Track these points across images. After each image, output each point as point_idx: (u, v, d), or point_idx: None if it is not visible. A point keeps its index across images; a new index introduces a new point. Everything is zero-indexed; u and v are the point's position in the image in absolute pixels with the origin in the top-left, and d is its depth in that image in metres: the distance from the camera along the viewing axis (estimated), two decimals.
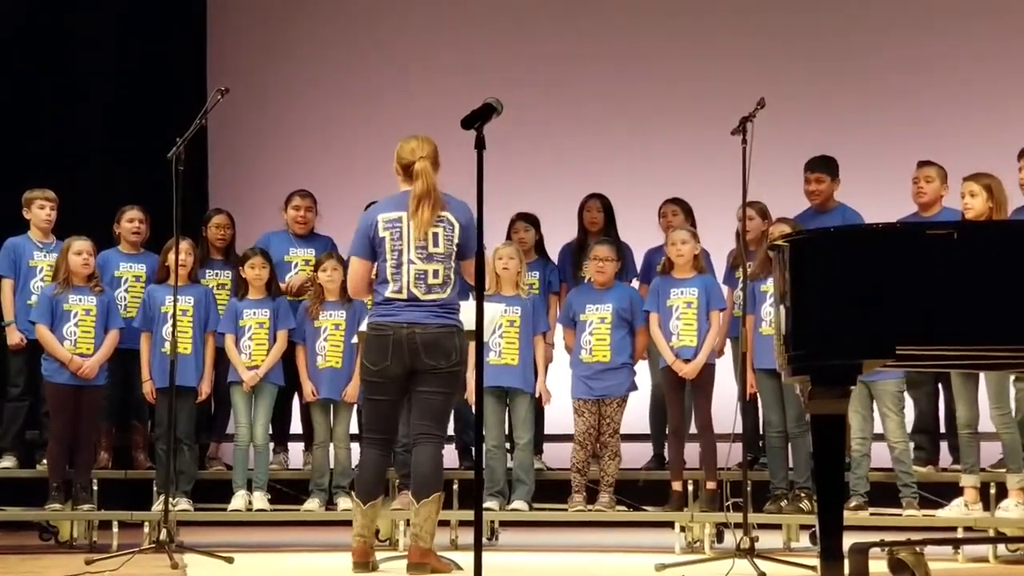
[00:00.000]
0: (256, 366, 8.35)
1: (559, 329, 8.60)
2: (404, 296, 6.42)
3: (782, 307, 5.28)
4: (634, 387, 8.28)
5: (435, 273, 6.42)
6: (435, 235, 6.43)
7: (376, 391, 6.54)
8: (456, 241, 6.45)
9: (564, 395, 8.40)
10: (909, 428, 7.99)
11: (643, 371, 8.74)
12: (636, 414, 8.82)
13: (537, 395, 8.32)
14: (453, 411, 8.62)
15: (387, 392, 6.51)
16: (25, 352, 8.57)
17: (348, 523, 6.76)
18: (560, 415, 8.39)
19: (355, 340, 7.84)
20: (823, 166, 8.32)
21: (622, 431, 8.40)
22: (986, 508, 7.62)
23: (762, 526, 7.73)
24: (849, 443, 7.72)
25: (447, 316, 6.45)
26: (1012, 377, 7.40)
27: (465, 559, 6.22)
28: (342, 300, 8.31)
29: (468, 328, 6.73)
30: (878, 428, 7.86)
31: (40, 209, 8.67)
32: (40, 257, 8.64)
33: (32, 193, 8.71)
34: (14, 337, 8.55)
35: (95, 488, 8.35)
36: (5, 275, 8.61)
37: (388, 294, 6.45)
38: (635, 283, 8.92)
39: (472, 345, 7.68)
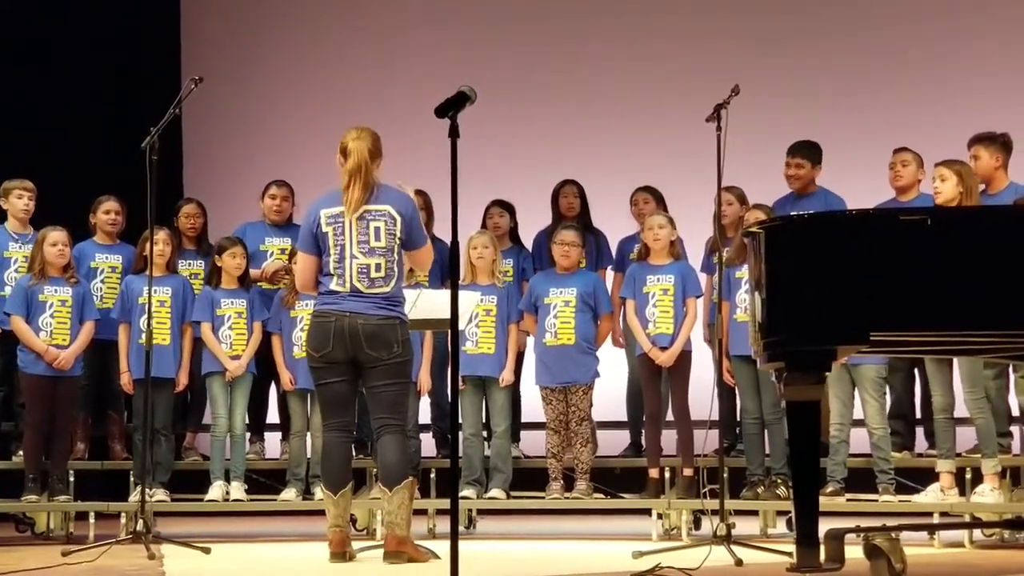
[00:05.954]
0: (238, 356, 8.34)
1: None
2: (347, 289, 6.44)
3: (757, 294, 5.27)
4: (597, 374, 8.26)
5: (377, 267, 6.43)
6: (376, 229, 6.44)
7: (323, 375, 6.57)
8: (398, 235, 6.48)
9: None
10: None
11: (620, 358, 8.75)
12: (613, 401, 8.83)
13: (502, 380, 8.31)
14: (431, 400, 8.65)
15: (334, 374, 6.52)
16: None
17: (325, 513, 6.75)
18: (536, 403, 8.38)
19: None
20: (803, 151, 8.30)
21: (599, 419, 8.40)
22: (962, 493, 7.65)
23: (739, 512, 7.74)
24: (828, 429, 7.74)
25: (390, 308, 6.46)
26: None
27: (442, 548, 6.21)
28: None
29: (419, 318, 6.79)
30: (857, 415, 7.88)
31: (18, 199, 8.62)
32: (15, 248, 8.60)
33: (10, 183, 8.65)
34: None
35: (71, 479, 8.33)
36: None
37: (332, 287, 6.48)
38: (610, 271, 8.92)
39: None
